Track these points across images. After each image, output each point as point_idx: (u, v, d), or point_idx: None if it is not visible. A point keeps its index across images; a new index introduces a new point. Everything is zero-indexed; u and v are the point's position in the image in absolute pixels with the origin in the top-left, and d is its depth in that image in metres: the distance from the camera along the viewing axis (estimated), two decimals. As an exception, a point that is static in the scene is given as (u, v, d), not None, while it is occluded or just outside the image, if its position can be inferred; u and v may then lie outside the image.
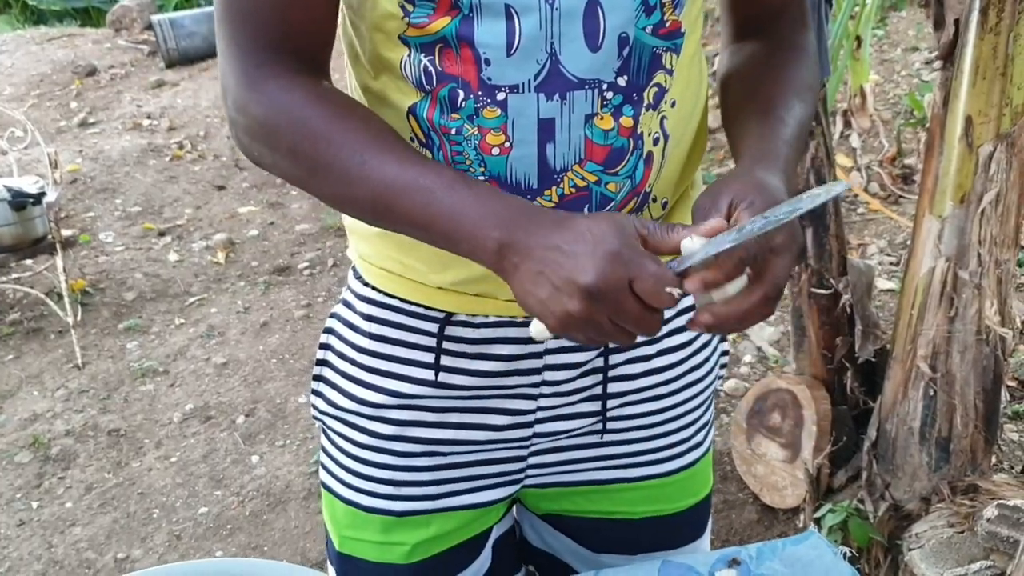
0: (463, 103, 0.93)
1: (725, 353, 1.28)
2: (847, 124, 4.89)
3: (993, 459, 2.43)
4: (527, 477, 1.19)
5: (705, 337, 1.19)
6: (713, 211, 0.86)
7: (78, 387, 3.72)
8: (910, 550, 2.20)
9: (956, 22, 2.20)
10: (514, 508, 1.29)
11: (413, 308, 1.09)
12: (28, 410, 3.59)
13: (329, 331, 1.18)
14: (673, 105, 1.00)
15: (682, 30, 0.97)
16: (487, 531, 1.21)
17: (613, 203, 0.99)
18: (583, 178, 0.96)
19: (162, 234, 5.02)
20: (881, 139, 4.83)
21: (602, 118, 0.94)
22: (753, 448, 2.79)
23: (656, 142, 0.99)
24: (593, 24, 0.91)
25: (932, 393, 2.34)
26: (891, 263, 4.00)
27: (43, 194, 3.88)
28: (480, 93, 0.92)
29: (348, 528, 1.18)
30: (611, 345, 1.05)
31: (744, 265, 0.84)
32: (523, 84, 0.92)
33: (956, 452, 2.33)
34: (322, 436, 1.22)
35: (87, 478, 3.18)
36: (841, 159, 4.63)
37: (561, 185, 0.96)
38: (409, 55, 0.93)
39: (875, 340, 2.61)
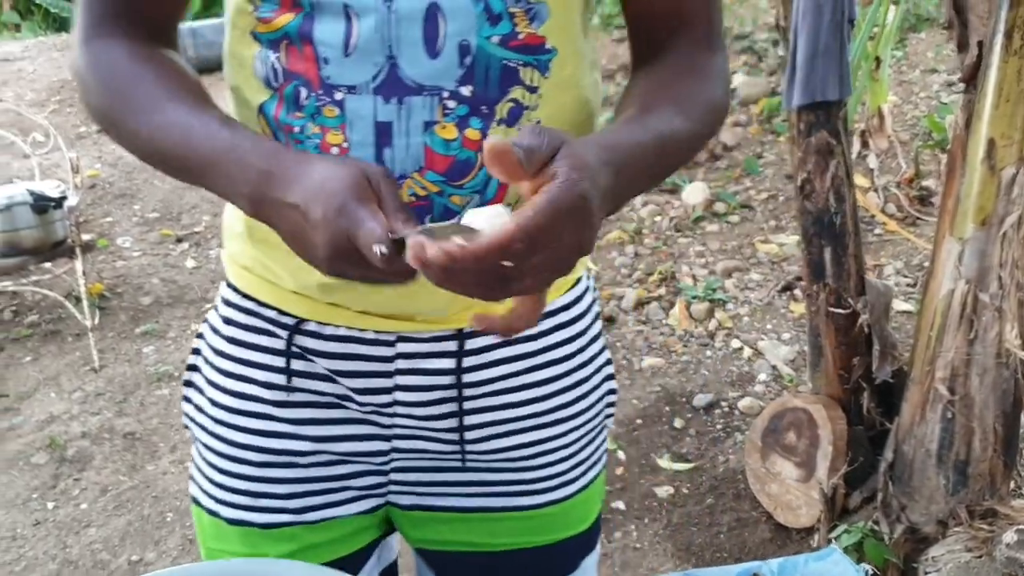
0: (305, 101, 0.92)
1: (612, 391, 1.20)
2: (865, 144, 4.88)
3: (1012, 484, 2.42)
4: (390, 493, 1.14)
5: (582, 374, 1.12)
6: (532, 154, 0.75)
7: (95, 390, 3.74)
8: (927, 573, 2.20)
9: (980, 44, 2.21)
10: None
11: (266, 312, 1.06)
12: (45, 412, 3.61)
13: (200, 335, 1.15)
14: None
15: (547, 46, 0.93)
16: (363, 552, 1.16)
17: (458, 217, 0.94)
18: (424, 187, 0.93)
19: (180, 240, 5.05)
20: (899, 160, 4.83)
21: (444, 127, 0.91)
22: (767, 467, 2.79)
23: None
24: (432, 30, 0.89)
25: (950, 416, 2.34)
26: (907, 284, 4.00)
27: (64, 198, 3.91)
28: (320, 92, 0.91)
29: (213, 540, 1.14)
30: (463, 378, 1.04)
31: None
32: (361, 85, 0.90)
33: (974, 476, 2.33)
34: (192, 448, 1.18)
35: (102, 480, 3.20)
36: (859, 179, 4.63)
37: (399, 192, 0.91)
38: (259, 52, 0.93)
39: (893, 361, 2.61)
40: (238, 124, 0.91)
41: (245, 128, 0.90)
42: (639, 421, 3.33)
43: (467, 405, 1.07)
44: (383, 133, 0.91)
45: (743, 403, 3.36)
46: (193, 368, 1.15)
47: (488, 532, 1.15)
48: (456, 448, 1.09)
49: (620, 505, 2.94)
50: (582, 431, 1.13)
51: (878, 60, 4.67)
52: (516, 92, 0.93)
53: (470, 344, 1.04)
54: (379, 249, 0.75)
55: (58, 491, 3.17)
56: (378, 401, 1.06)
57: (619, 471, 3.09)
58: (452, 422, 1.08)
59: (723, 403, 3.39)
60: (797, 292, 3.98)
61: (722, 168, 5.20)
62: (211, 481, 1.12)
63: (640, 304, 4.06)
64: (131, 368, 3.88)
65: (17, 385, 3.82)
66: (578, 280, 1.12)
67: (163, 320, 4.27)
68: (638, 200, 4.91)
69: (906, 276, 4.08)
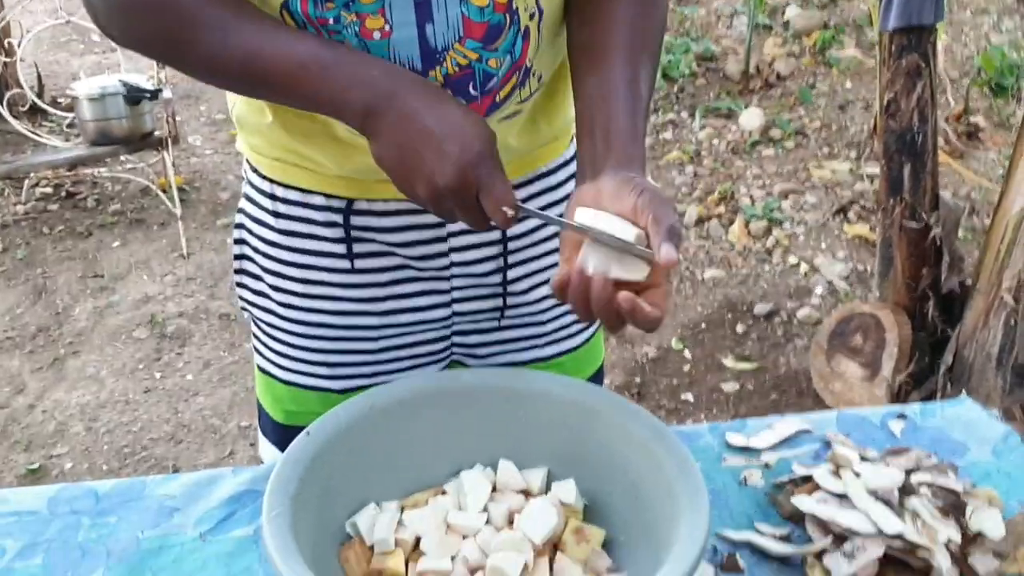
0: None
1: None
2: (915, 80, 5.02)
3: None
4: (452, 356, 1.25)
5: None
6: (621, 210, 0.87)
7: (186, 275, 3.96)
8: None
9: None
10: None
11: (314, 200, 1.11)
12: (140, 292, 3.84)
13: (240, 226, 1.20)
14: None
15: None
16: None
17: (496, 79, 1.00)
18: (465, 56, 0.97)
19: (248, 141, 5.22)
20: (948, 97, 4.98)
21: None
22: (832, 366, 3.01)
23: (532, 17, 0.99)
24: None
25: (1013, 323, 2.55)
26: (956, 213, 4.19)
27: (159, 90, 4.08)
28: None
29: (291, 404, 1.22)
30: (508, 232, 1.15)
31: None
32: None
33: (1031, 377, 2.55)
34: (252, 324, 1.25)
35: (204, 355, 3.43)
36: (910, 113, 4.79)
37: (444, 64, 0.97)
38: None
39: (959, 272, 2.81)
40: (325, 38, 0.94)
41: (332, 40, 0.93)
42: (703, 325, 3.55)
43: (511, 259, 1.18)
44: (423, 10, 0.94)
45: (801, 313, 3.57)
46: (241, 257, 1.20)
47: None
48: (500, 304, 1.20)
49: (689, 397, 3.17)
50: None
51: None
52: None
53: None
54: (508, 212, 0.87)
55: (163, 363, 3.40)
56: (436, 265, 1.15)
57: (686, 368, 3.32)
58: (500, 277, 1.19)
59: (782, 312, 3.60)
60: (851, 214, 4.18)
61: (776, 96, 5.35)
62: (286, 356, 1.20)
63: (701, 221, 4.26)
64: (217, 256, 4.09)
65: (110, 267, 4.04)
66: None
67: (242, 214, 4.47)
68: (696, 123, 5.09)
69: (954, 206, 4.26)
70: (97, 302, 3.78)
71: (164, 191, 4.32)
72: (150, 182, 4.40)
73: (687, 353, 3.39)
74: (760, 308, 3.61)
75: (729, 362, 3.34)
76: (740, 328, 3.53)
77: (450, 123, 0.88)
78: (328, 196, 1.10)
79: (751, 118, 5.00)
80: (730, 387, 3.21)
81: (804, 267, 3.88)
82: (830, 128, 4.97)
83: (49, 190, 4.63)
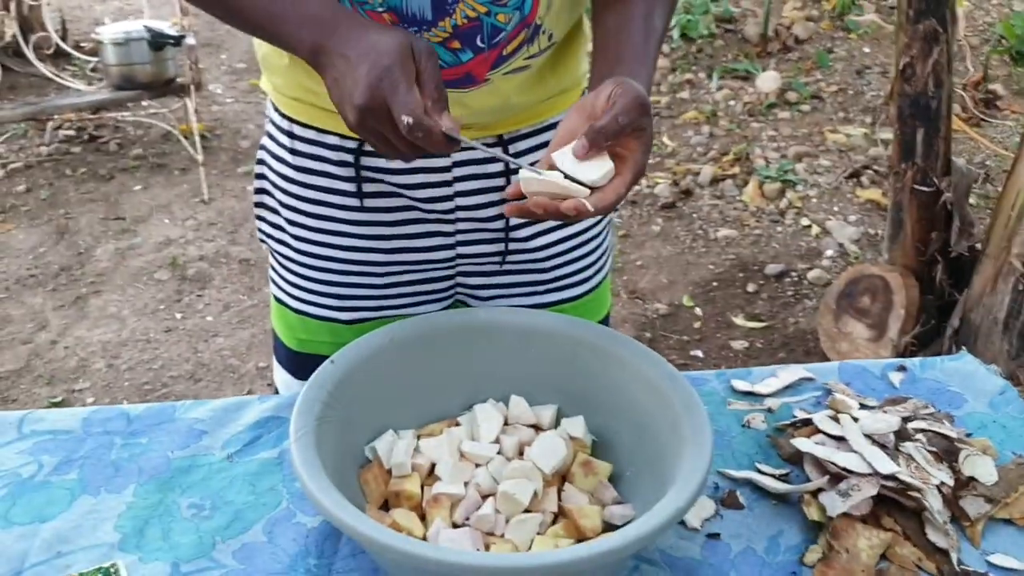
0: None
1: None
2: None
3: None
4: (456, 296, 1.30)
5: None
6: (591, 108, 0.93)
7: (206, 219, 4.01)
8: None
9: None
10: None
11: (328, 139, 1.16)
12: (162, 235, 3.90)
13: (260, 162, 1.26)
14: None
15: None
16: None
17: (504, 33, 1.04)
18: (474, 9, 1.01)
19: (269, 90, 5.26)
20: (967, 63, 4.98)
21: None
22: (840, 327, 3.05)
23: None
24: None
25: (1021, 288, 2.58)
26: (970, 180, 4.21)
27: (183, 37, 4.11)
28: None
29: (302, 332, 1.28)
30: (511, 179, 1.17)
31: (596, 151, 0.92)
32: None
33: (1037, 341, 2.59)
34: (269, 256, 1.32)
35: (224, 298, 3.50)
36: (929, 79, 4.79)
37: (454, 16, 1.01)
38: None
39: (969, 237, 2.85)
40: None
41: None
42: (715, 284, 3.60)
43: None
44: None
45: (812, 274, 3.61)
46: (261, 191, 1.27)
47: None
48: (502, 248, 1.24)
49: (698, 353, 3.22)
50: (602, 224, 1.34)
51: (959, -37, 4.78)
52: None
53: (513, 148, 1.19)
54: (407, 120, 0.87)
55: (183, 304, 3.47)
56: (441, 208, 1.19)
57: (696, 324, 3.37)
58: (503, 223, 1.22)
59: (793, 273, 3.64)
60: (864, 179, 4.20)
61: (793, 60, 5.36)
62: (298, 287, 1.26)
63: (715, 180, 4.28)
64: (237, 203, 4.15)
65: (132, 210, 4.10)
66: None
67: (261, 162, 4.52)
68: (713, 84, 5.10)
69: (968, 173, 4.28)
70: (119, 243, 3.84)
71: (186, 137, 4.36)
72: (172, 127, 4.45)
73: (698, 310, 3.44)
74: (771, 268, 3.65)
75: (739, 320, 3.39)
76: (751, 287, 3.57)
77: (363, 47, 0.91)
78: (341, 136, 1.15)
79: (768, 81, 5.01)
80: (739, 344, 3.26)
81: (816, 229, 3.91)
82: (846, 93, 4.97)
83: (72, 133, 4.69)
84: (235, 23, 1.05)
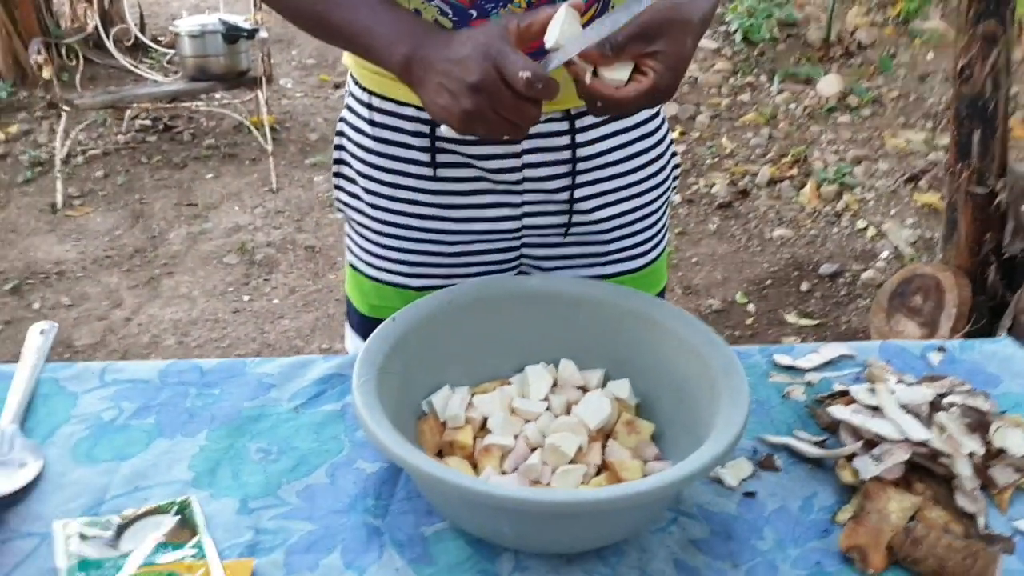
0: None
1: (677, 167, 1.40)
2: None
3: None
4: (521, 266, 1.34)
5: (658, 150, 1.32)
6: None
7: (275, 208, 4.14)
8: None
9: None
10: None
11: (406, 111, 1.20)
12: (231, 221, 4.03)
13: (340, 133, 1.31)
14: None
15: None
16: None
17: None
18: None
19: (337, 87, 5.39)
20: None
21: None
22: (891, 325, 3.08)
23: None
24: None
25: (1073, 289, 2.60)
26: None
27: (256, 30, 4.24)
28: None
29: (375, 299, 1.34)
30: (577, 152, 1.23)
31: (615, 58, 0.97)
32: None
33: (1090, 342, 2.59)
34: (346, 225, 1.37)
35: (290, 282, 3.61)
36: (993, 85, 4.76)
37: None
38: None
39: (1023, 239, 2.86)
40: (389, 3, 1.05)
41: (395, 5, 1.06)
42: (768, 282, 3.63)
43: (579, 179, 1.25)
44: None
45: (866, 275, 3.63)
46: (339, 162, 1.32)
47: None
48: (567, 220, 1.28)
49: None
50: (662, 200, 1.38)
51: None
52: None
53: (579, 123, 1.22)
54: (525, 75, 0.91)
55: (251, 287, 3.59)
56: (510, 179, 1.23)
57: (749, 321, 3.41)
58: (568, 194, 1.26)
59: (847, 273, 3.67)
60: (922, 183, 4.20)
61: (856, 65, 5.36)
62: (372, 254, 1.31)
63: (772, 181, 4.31)
64: (304, 193, 4.27)
65: (203, 197, 4.24)
66: None
67: (329, 156, 4.63)
68: (774, 87, 5.12)
69: None
70: (191, 228, 3.98)
71: (257, 128, 4.49)
72: (243, 119, 4.59)
73: (751, 307, 3.48)
74: (826, 268, 3.68)
75: (791, 318, 3.42)
76: (804, 286, 3.60)
77: (459, 39, 0.96)
78: (418, 108, 1.19)
79: (829, 84, 5.02)
80: (790, 342, 3.29)
81: (872, 231, 3.93)
82: (908, 98, 4.97)
83: (148, 122, 4.85)
84: (322, 36, 1.11)
